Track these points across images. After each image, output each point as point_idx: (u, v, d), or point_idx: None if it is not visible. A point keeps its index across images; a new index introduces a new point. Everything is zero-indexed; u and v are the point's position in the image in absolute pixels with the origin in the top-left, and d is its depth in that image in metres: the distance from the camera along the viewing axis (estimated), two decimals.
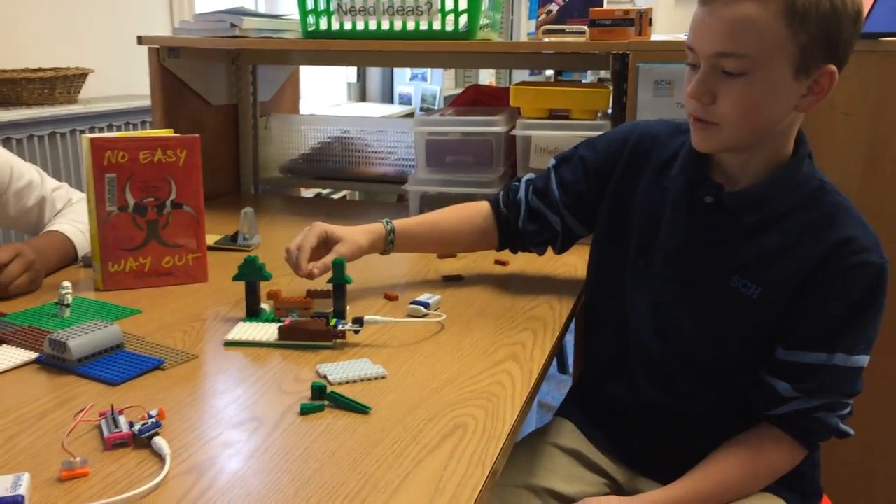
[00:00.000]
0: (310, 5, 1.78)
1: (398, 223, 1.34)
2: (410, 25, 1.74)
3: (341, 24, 1.79)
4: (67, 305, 1.20)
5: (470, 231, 1.38)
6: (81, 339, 1.02)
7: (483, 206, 1.39)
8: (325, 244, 1.27)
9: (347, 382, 0.99)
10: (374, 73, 4.82)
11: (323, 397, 0.94)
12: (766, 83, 0.98)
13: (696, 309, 1.12)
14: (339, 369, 1.02)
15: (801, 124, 1.08)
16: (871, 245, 1.04)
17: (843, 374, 1.05)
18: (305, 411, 0.91)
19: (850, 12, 0.97)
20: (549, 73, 4.44)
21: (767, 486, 1.12)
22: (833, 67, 1.00)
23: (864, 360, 1.06)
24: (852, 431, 1.10)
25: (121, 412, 0.87)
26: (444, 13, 1.71)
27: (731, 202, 1.09)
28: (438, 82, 4.79)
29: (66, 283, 1.20)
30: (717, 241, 1.11)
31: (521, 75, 5.20)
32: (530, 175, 1.37)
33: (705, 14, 1.00)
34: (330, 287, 1.20)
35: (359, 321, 1.13)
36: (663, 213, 1.16)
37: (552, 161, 1.34)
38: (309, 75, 2.77)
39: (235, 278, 1.20)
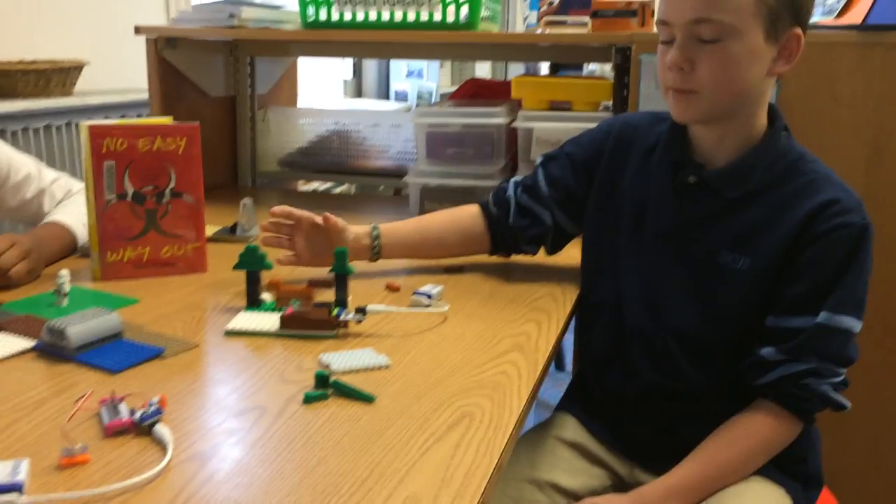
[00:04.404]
0: None
1: (384, 226, 1.34)
2: (411, 16, 1.73)
3: (341, 15, 1.78)
4: (65, 294, 1.18)
5: (458, 232, 1.37)
6: (80, 327, 1.00)
7: (472, 209, 1.38)
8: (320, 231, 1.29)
9: (350, 372, 0.98)
10: (370, 70, 4.80)
11: (326, 386, 0.92)
12: (741, 47, 1.02)
13: (689, 286, 1.13)
14: (342, 358, 1.01)
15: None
16: (854, 206, 1.05)
17: (828, 333, 1.04)
18: (309, 400, 0.90)
19: None
20: (545, 70, 4.42)
21: (768, 473, 1.10)
22: (799, 31, 1.04)
23: (852, 322, 1.05)
24: (848, 403, 1.07)
25: (121, 399, 0.85)
26: (444, 3, 1.70)
27: (713, 180, 1.12)
28: (435, 79, 4.77)
29: (64, 272, 1.19)
30: (703, 218, 1.13)
31: (517, 70, 5.18)
32: (518, 177, 1.38)
33: None
34: (331, 277, 1.18)
35: (361, 310, 1.11)
36: (650, 197, 1.18)
37: (539, 159, 1.35)
38: (305, 71, 2.75)
39: (236, 267, 1.19)
